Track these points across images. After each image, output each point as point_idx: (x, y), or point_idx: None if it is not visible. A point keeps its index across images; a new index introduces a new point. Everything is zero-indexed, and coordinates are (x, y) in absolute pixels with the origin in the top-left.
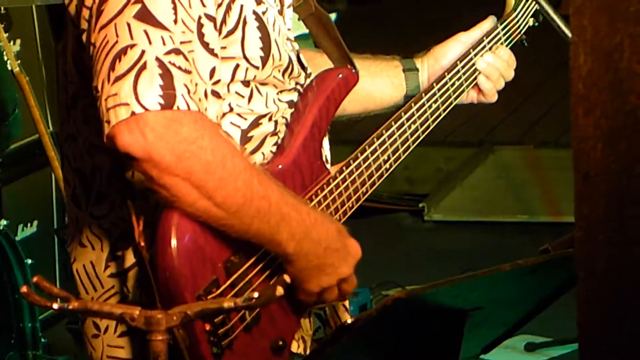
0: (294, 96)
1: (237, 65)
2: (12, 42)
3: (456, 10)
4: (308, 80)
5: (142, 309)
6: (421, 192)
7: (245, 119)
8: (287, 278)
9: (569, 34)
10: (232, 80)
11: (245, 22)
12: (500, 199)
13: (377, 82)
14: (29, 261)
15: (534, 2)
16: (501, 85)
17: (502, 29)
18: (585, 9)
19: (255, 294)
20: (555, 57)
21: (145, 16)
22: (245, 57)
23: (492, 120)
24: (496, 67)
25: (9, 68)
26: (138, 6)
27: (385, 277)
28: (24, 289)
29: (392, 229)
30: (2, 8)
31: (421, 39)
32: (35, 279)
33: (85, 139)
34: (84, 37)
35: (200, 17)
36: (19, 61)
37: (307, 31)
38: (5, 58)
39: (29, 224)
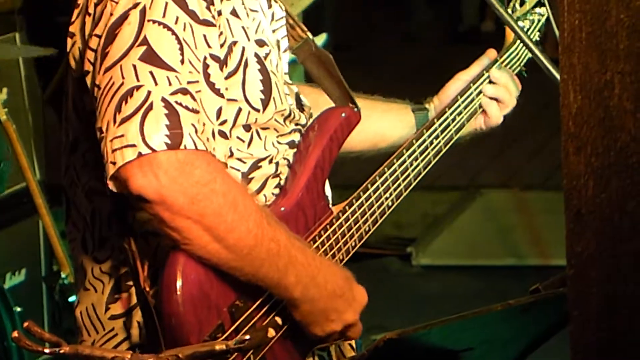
0: (295, 137)
1: (240, 109)
2: None
3: (441, 54)
4: (309, 120)
5: (134, 353)
6: (409, 237)
7: (245, 162)
8: (279, 320)
9: (557, 75)
10: (234, 124)
11: (246, 65)
12: (488, 242)
13: (387, 119)
14: (18, 309)
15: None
16: (513, 103)
17: (501, 63)
18: (575, 47)
19: (247, 336)
20: (540, 100)
21: (151, 58)
22: (246, 100)
23: (478, 164)
24: (503, 89)
25: None
26: (144, 48)
27: (373, 321)
28: (15, 334)
29: (380, 273)
30: None
31: (407, 83)
32: (26, 324)
33: (84, 183)
34: (87, 79)
35: (205, 58)
36: (6, 109)
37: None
38: None
39: (17, 272)
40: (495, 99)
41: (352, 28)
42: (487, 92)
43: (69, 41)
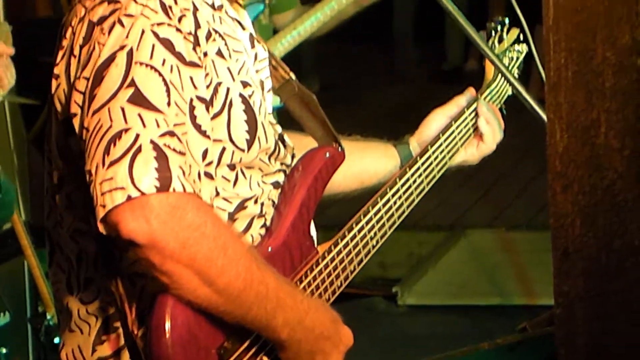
0: (280, 177)
1: (224, 149)
2: None
3: (425, 93)
4: (294, 161)
5: None
6: (394, 277)
7: (231, 202)
8: None
9: (542, 114)
10: (218, 164)
11: (231, 105)
12: (474, 282)
13: (370, 156)
14: (3, 350)
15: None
16: (500, 136)
17: (484, 98)
18: (561, 86)
19: None
20: (525, 139)
21: (138, 100)
22: (231, 140)
23: (463, 204)
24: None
25: None
26: (131, 90)
27: None
28: None
29: (365, 313)
30: None
31: (391, 121)
32: None
33: (69, 225)
34: (75, 121)
35: (192, 99)
36: None
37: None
38: None
39: (2, 314)
40: (479, 134)
41: (336, 67)
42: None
43: (54, 83)
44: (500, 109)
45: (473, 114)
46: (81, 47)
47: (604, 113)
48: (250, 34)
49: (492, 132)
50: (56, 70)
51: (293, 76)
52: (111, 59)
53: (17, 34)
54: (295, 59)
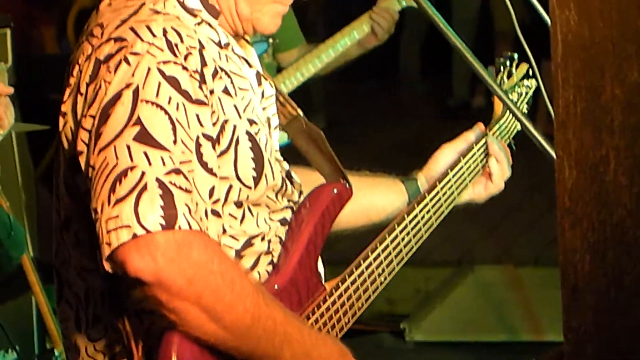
0: (287, 214)
1: (231, 186)
2: None
3: (433, 130)
4: (301, 197)
5: None
6: (401, 313)
7: (238, 239)
8: None
9: (550, 150)
10: (225, 201)
11: (237, 142)
12: (482, 318)
13: (378, 192)
14: None
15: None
16: (508, 173)
17: (493, 134)
18: (570, 122)
19: None
20: (532, 176)
21: (144, 138)
22: (237, 177)
23: (471, 239)
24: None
25: None
26: (137, 128)
27: None
28: None
29: (373, 350)
30: None
31: (400, 158)
32: None
33: (76, 262)
34: (81, 159)
35: (198, 137)
36: None
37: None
38: None
39: (10, 350)
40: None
41: (343, 104)
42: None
43: (61, 120)
44: (509, 145)
45: (482, 151)
46: (88, 85)
47: (612, 150)
48: (257, 72)
49: (501, 170)
50: (63, 108)
51: (301, 113)
52: (117, 97)
53: (25, 71)
54: (302, 96)
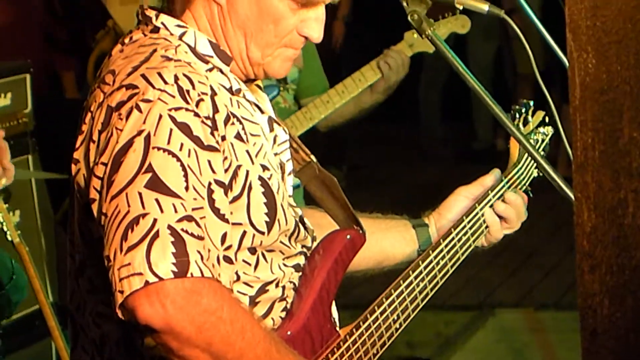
0: (301, 260)
1: (244, 233)
2: (11, 213)
3: (454, 173)
4: (314, 243)
5: None
6: (422, 357)
7: (252, 286)
8: None
9: (570, 193)
10: (239, 248)
11: (250, 188)
12: None
13: (389, 238)
14: None
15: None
16: (517, 226)
17: (507, 182)
18: (588, 165)
19: None
20: (552, 219)
21: (156, 185)
22: (251, 223)
23: (491, 283)
24: (512, 210)
25: (9, 239)
26: (149, 175)
27: None
28: None
29: None
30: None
31: (421, 201)
32: None
33: (92, 308)
34: (94, 206)
35: (210, 183)
36: (18, 232)
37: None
38: (5, 229)
39: None
40: (503, 218)
41: (364, 147)
42: (498, 208)
43: (74, 167)
44: (526, 191)
45: (498, 197)
46: (100, 133)
47: (631, 193)
48: (269, 117)
49: (517, 219)
50: (76, 155)
51: (314, 159)
52: (129, 144)
53: (46, 114)
54: (323, 140)
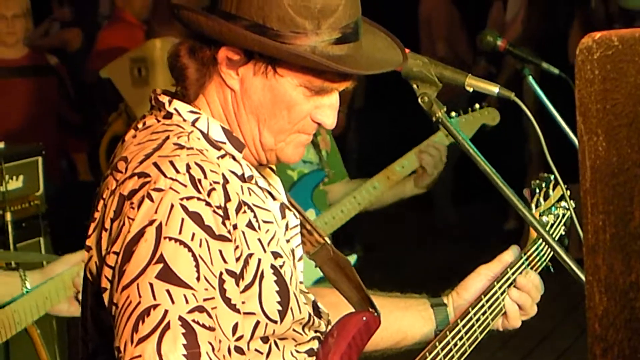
0: (314, 344)
1: (257, 322)
2: None
3: (463, 256)
4: (328, 327)
5: None
6: None
7: None
8: None
9: (582, 275)
10: (251, 337)
11: (262, 277)
12: None
13: (407, 317)
14: None
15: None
16: (534, 311)
17: (526, 259)
18: (599, 248)
19: None
20: (565, 302)
21: (167, 275)
22: (263, 312)
23: None
24: (527, 296)
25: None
26: (160, 266)
27: None
28: None
29: None
30: (12, 262)
31: (435, 283)
32: None
33: None
34: (105, 296)
35: (221, 273)
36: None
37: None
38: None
39: None
40: (518, 304)
41: (378, 229)
42: (512, 295)
43: (86, 255)
44: (547, 267)
45: (517, 275)
46: (112, 221)
47: None
48: (282, 204)
49: (531, 305)
50: (88, 242)
51: (328, 240)
52: (140, 234)
53: (60, 197)
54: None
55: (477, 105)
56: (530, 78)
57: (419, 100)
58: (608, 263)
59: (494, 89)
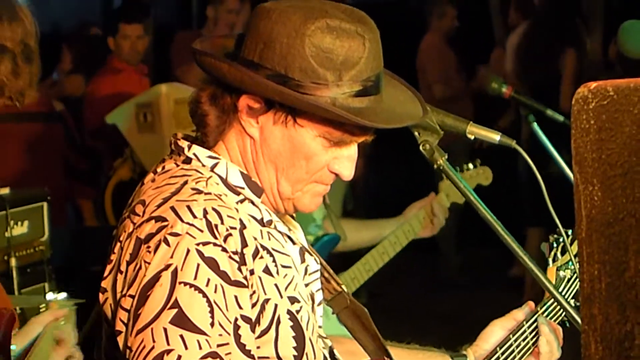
0: None
1: None
2: None
3: (472, 301)
4: None
5: None
6: None
7: None
8: None
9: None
10: None
11: (279, 322)
12: None
13: None
14: None
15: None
16: (557, 354)
17: (543, 313)
18: (595, 297)
19: None
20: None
21: (181, 321)
22: (278, 357)
23: None
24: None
25: None
26: (174, 311)
27: None
28: None
29: None
30: (17, 308)
31: (441, 329)
32: None
33: None
34: (119, 338)
35: (236, 319)
36: None
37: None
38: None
39: None
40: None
41: (382, 276)
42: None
43: (101, 296)
44: (563, 322)
45: (532, 329)
46: (128, 264)
47: (637, 325)
48: (301, 248)
49: (551, 352)
50: (104, 284)
51: (345, 289)
52: (156, 278)
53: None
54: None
55: (470, 165)
56: (535, 125)
57: (420, 147)
58: (604, 312)
59: (495, 136)
